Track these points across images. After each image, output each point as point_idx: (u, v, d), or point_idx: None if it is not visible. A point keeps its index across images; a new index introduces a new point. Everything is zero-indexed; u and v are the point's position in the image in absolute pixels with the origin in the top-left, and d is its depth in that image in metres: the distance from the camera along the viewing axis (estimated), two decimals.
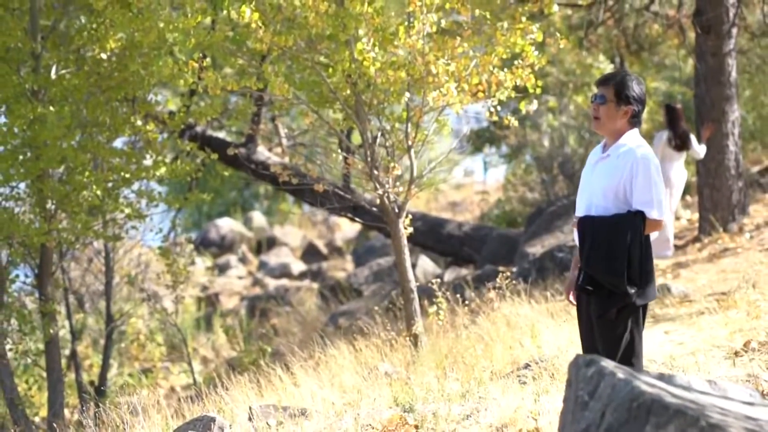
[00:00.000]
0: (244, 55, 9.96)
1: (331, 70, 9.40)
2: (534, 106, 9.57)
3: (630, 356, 5.76)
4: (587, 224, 5.84)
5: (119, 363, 17.23)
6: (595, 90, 6.00)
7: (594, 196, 5.88)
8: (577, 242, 6.02)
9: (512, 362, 8.40)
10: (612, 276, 5.70)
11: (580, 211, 5.95)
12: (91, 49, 11.03)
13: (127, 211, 11.28)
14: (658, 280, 11.88)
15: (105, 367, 14.26)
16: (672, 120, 13.53)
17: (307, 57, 9.35)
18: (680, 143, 13.40)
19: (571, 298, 6.06)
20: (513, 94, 9.39)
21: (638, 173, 5.76)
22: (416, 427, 6.80)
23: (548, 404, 6.50)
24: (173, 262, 13.61)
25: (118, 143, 12.02)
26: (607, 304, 5.76)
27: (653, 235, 14.26)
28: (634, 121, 5.92)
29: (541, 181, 19.45)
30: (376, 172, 9.40)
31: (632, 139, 5.90)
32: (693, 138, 13.46)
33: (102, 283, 15.33)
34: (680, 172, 13.56)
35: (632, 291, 5.70)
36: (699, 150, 13.45)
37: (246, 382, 8.54)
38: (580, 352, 6.30)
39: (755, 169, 17.98)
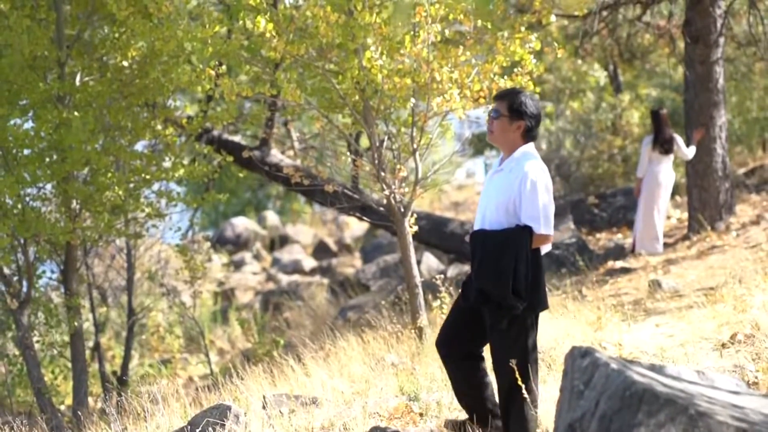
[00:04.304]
0: (258, 63, 9.96)
1: (340, 77, 9.40)
2: None
3: (525, 362, 5.69)
4: (478, 239, 5.74)
5: (140, 354, 17.25)
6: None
7: (488, 210, 5.80)
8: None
9: None
10: (498, 289, 5.60)
11: (476, 225, 5.85)
12: (114, 57, 11.03)
13: (148, 210, 11.28)
14: (650, 276, 11.88)
15: (127, 358, 14.27)
16: (657, 125, 13.52)
17: (318, 65, 9.35)
18: (664, 147, 13.38)
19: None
20: None
21: (525, 188, 5.65)
22: (421, 414, 6.81)
23: (545, 393, 6.49)
24: (191, 259, 13.61)
25: (139, 146, 12.01)
26: (498, 315, 5.68)
27: (643, 234, 14.20)
28: (529, 135, 5.82)
29: None
30: (383, 173, 9.40)
31: (524, 153, 5.80)
32: (680, 141, 13.43)
33: (124, 279, 15.35)
34: (668, 173, 13.54)
35: (518, 304, 5.61)
36: (687, 152, 13.42)
37: (260, 372, 8.55)
38: (576, 344, 6.29)
39: (741, 170, 17.96)
